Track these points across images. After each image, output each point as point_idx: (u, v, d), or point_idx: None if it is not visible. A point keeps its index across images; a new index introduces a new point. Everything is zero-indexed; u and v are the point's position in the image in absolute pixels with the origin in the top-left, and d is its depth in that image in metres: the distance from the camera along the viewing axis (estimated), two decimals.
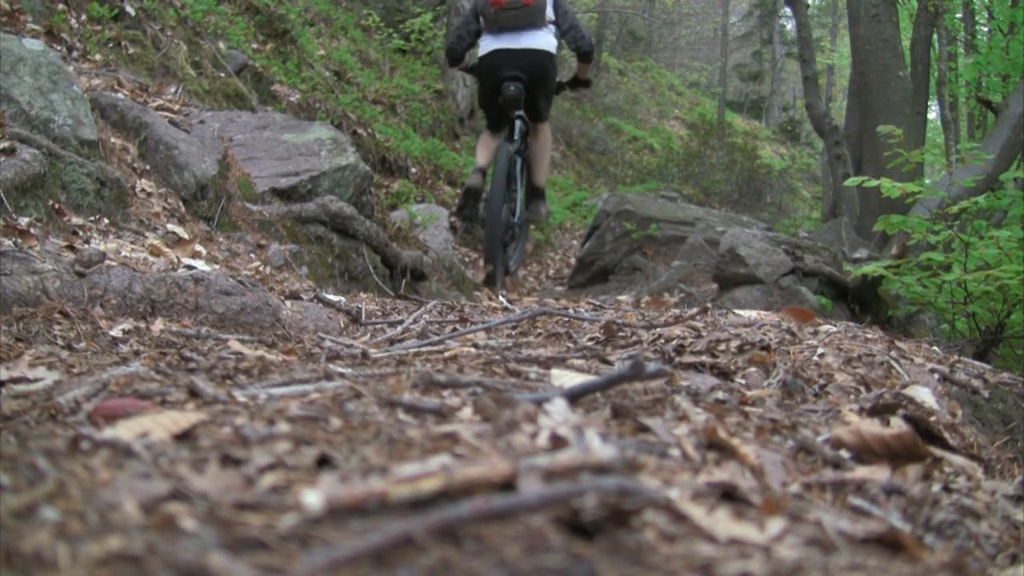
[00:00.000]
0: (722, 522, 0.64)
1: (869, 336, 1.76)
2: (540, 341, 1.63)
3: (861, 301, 4.23)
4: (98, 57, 4.00)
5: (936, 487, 0.90)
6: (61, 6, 4.13)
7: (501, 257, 4.73)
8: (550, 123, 5.31)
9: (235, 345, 1.48)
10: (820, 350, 1.50)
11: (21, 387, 0.99)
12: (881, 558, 0.63)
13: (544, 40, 4.81)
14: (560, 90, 5.25)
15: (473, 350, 1.45)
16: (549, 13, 4.85)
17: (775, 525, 0.65)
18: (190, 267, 2.17)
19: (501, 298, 2.30)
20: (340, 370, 1.15)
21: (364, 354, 1.37)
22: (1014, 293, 2.92)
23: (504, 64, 4.79)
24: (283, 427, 0.75)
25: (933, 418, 1.23)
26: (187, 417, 0.76)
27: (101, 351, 1.35)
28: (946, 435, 1.15)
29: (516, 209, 5.15)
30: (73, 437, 0.68)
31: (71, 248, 1.94)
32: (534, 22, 4.76)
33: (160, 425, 0.74)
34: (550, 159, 5.41)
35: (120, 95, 3.54)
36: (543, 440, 0.77)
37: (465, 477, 0.59)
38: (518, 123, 4.98)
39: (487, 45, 4.87)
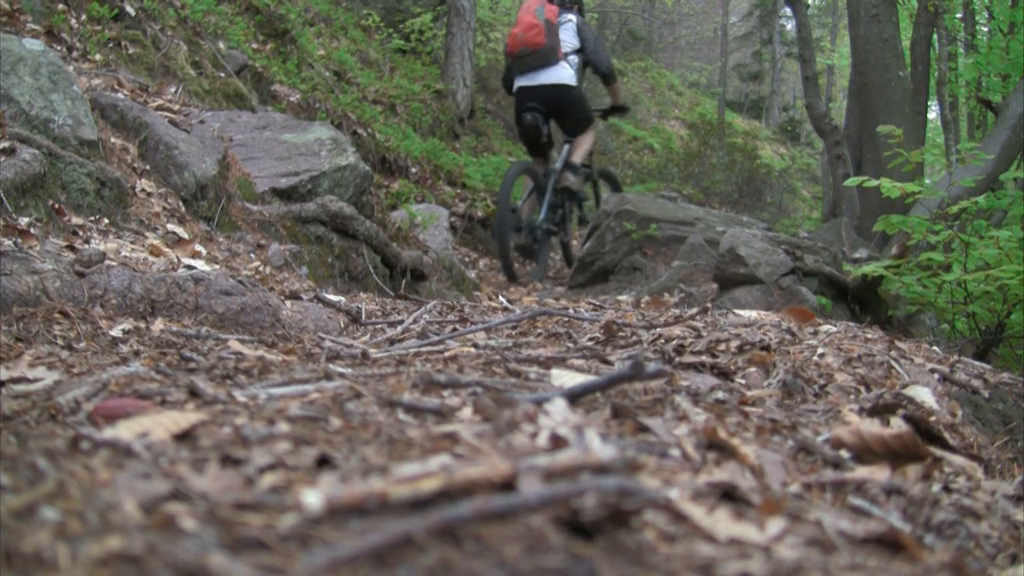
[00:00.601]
0: (722, 522, 0.64)
1: (869, 336, 1.75)
2: (540, 341, 1.63)
3: (861, 301, 4.23)
4: (98, 57, 4.00)
5: (936, 487, 0.90)
6: (61, 6, 4.13)
7: (511, 253, 5.51)
8: (592, 129, 6.03)
9: (235, 345, 1.48)
10: (820, 350, 1.50)
11: (21, 387, 0.99)
12: (881, 558, 0.63)
13: (558, 74, 5.57)
14: (605, 117, 6.22)
15: (473, 350, 1.45)
16: (569, 44, 5.61)
17: (775, 525, 0.65)
18: (190, 267, 2.17)
19: (501, 298, 2.30)
20: (340, 370, 1.15)
21: (364, 354, 1.37)
22: (1014, 293, 2.91)
23: (525, 98, 5.65)
24: (283, 427, 0.75)
25: (933, 418, 1.23)
26: (187, 417, 0.76)
27: (101, 351, 1.35)
28: (946, 435, 1.15)
29: (543, 215, 5.85)
30: (73, 437, 0.68)
31: (71, 248, 1.94)
32: (547, 61, 5.52)
33: (160, 425, 0.74)
34: (585, 148, 6.06)
35: (120, 95, 3.54)
36: (543, 440, 0.77)
37: (465, 477, 0.59)
38: (552, 154, 5.92)
39: (516, 83, 5.74)
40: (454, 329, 1.71)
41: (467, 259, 6.85)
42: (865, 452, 0.95)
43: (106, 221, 2.48)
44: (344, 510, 0.54)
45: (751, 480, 0.81)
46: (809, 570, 0.56)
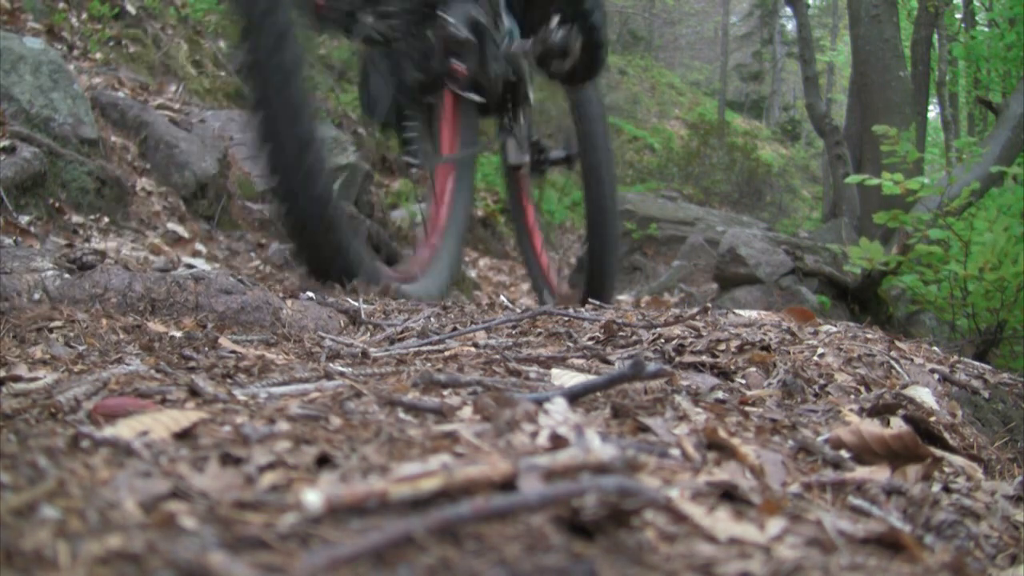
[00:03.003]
0: (722, 522, 0.64)
1: (869, 336, 1.75)
2: (540, 341, 1.63)
3: (861, 301, 4.23)
4: (99, 56, 4.00)
5: (936, 487, 0.90)
6: (62, 4, 4.13)
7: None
8: None
9: (234, 344, 1.48)
10: (820, 350, 1.50)
11: (21, 385, 0.99)
12: (881, 558, 0.63)
13: None
14: None
15: (473, 349, 1.45)
16: None
17: (775, 525, 0.65)
18: (190, 266, 2.17)
19: (501, 297, 2.29)
20: (340, 369, 1.15)
21: (364, 353, 1.37)
22: (1011, 293, 2.91)
23: None
24: (283, 426, 0.75)
25: (933, 418, 1.23)
26: (187, 416, 0.76)
27: (101, 350, 1.35)
28: (946, 435, 1.15)
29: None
30: (73, 435, 0.68)
31: (71, 246, 1.94)
32: None
33: (160, 424, 0.74)
34: None
35: (120, 94, 3.54)
36: (543, 439, 0.77)
37: (465, 476, 0.59)
38: None
39: None
40: (454, 328, 1.71)
41: (467, 259, 6.86)
42: (865, 452, 0.95)
43: (106, 220, 2.48)
44: (344, 509, 0.54)
45: (751, 480, 0.81)
46: (809, 570, 0.56)
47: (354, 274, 1.89)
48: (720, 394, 1.14)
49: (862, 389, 1.32)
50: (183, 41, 4.95)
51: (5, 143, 2.25)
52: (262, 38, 1.76)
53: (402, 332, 1.71)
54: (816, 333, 1.71)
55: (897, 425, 1.10)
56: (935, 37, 9.56)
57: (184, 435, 0.73)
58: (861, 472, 0.89)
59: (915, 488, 0.86)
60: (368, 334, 1.74)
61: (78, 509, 0.50)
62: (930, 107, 10.85)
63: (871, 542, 0.66)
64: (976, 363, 1.83)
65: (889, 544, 0.67)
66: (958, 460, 1.06)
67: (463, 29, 2.16)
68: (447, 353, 1.41)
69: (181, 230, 2.84)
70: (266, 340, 1.53)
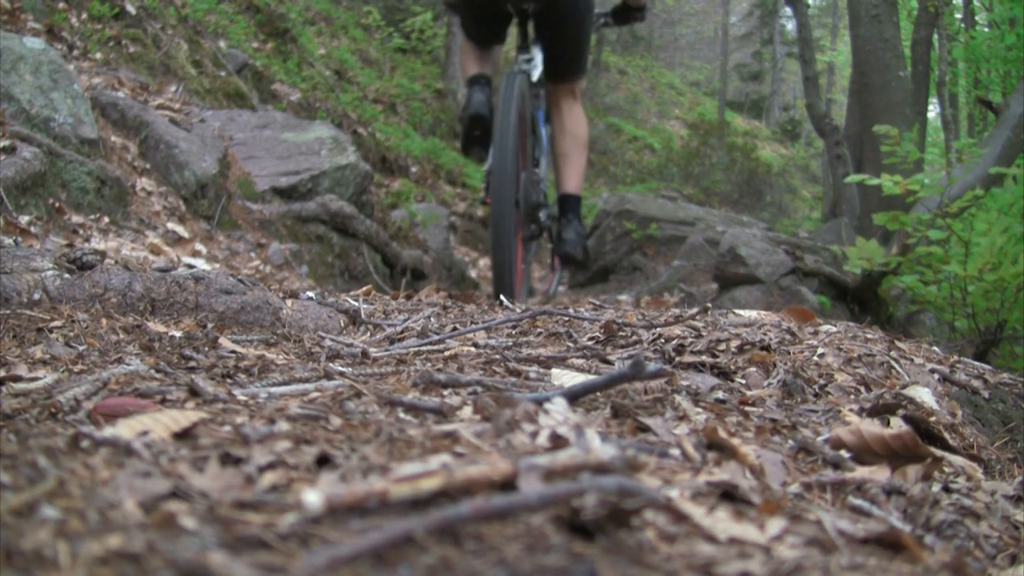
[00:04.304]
0: (722, 522, 0.64)
1: (869, 336, 1.75)
2: (540, 341, 1.63)
3: (861, 301, 4.23)
4: (99, 56, 3.99)
5: (936, 487, 0.90)
6: (62, 4, 4.13)
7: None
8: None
9: (233, 344, 1.48)
10: (820, 350, 1.50)
11: (21, 385, 0.99)
12: (881, 558, 0.63)
13: None
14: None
15: (473, 349, 1.45)
16: None
17: (775, 525, 0.65)
18: (190, 266, 2.17)
19: (501, 297, 2.30)
20: (340, 369, 1.15)
21: (364, 353, 1.37)
22: (1011, 293, 2.91)
23: None
24: (283, 426, 0.75)
25: (933, 418, 1.23)
26: (187, 416, 0.76)
27: (101, 350, 1.35)
28: (946, 435, 1.15)
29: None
30: (73, 435, 0.68)
31: (71, 246, 1.94)
32: None
33: (160, 424, 0.74)
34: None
35: (120, 94, 3.54)
36: (543, 439, 0.77)
37: (465, 476, 0.59)
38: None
39: None
40: (454, 328, 1.71)
41: (467, 258, 6.86)
42: (865, 452, 0.95)
43: (106, 220, 2.48)
44: (344, 509, 0.54)
45: (751, 480, 0.81)
46: (809, 570, 0.56)
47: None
48: (720, 394, 1.14)
49: (862, 389, 1.32)
50: (183, 41, 4.95)
51: (5, 143, 2.25)
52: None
53: (402, 332, 1.71)
54: (816, 333, 1.71)
55: (897, 425, 1.10)
56: (935, 37, 9.56)
57: (184, 435, 0.73)
58: (861, 472, 0.89)
59: (915, 488, 0.86)
60: (368, 334, 1.74)
61: (78, 509, 0.50)
62: (930, 107, 10.86)
63: (871, 542, 0.66)
64: (976, 363, 1.83)
65: (889, 544, 0.67)
66: (958, 460, 1.06)
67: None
68: (447, 353, 1.41)
69: (181, 230, 2.84)
70: (266, 340, 1.53)
